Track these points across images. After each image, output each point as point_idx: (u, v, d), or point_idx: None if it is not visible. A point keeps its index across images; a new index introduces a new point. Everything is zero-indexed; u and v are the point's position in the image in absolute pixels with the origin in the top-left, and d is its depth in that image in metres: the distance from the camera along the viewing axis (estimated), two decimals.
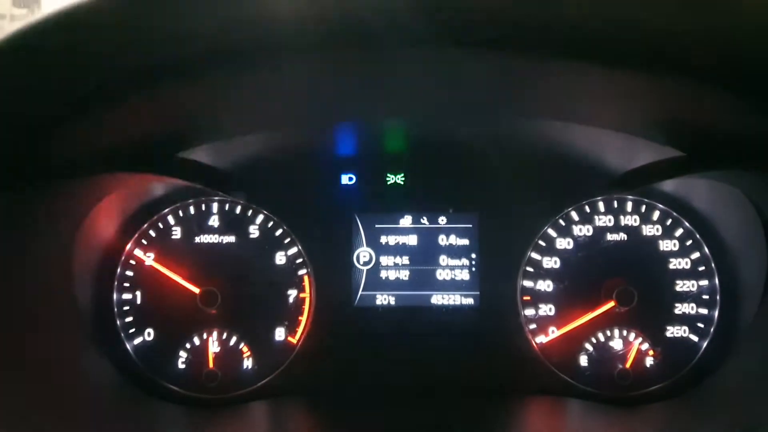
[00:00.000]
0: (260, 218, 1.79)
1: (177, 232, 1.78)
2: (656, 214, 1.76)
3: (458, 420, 1.53)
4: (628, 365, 1.71)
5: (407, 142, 1.79)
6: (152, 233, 1.77)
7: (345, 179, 1.81)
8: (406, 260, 1.80)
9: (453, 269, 1.79)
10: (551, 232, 1.78)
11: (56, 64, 0.86)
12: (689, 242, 1.75)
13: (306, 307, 1.77)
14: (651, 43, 0.87)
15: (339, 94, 1.27)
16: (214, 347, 1.74)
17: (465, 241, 1.79)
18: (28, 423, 1.18)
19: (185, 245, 1.77)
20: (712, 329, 1.72)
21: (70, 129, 1.00)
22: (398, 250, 1.80)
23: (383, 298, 1.79)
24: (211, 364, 1.73)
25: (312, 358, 1.75)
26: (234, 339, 1.75)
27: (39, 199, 1.26)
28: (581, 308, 1.73)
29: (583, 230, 1.78)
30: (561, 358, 1.75)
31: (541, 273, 1.77)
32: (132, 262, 1.76)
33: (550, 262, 1.77)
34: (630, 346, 1.73)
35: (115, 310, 1.75)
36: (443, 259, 1.80)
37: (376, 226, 1.80)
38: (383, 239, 1.80)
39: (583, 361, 1.74)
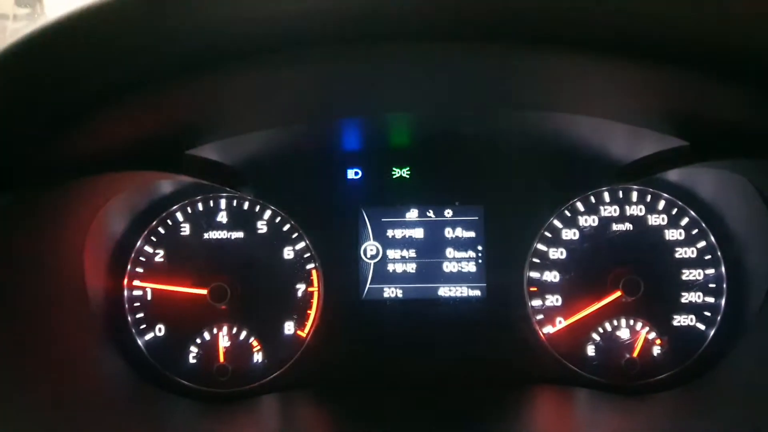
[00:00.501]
0: (268, 214, 1.81)
1: (186, 229, 1.80)
2: (661, 204, 1.77)
3: (466, 410, 1.54)
4: (635, 354, 1.72)
5: (412, 136, 1.80)
6: (161, 230, 1.79)
7: (351, 174, 1.82)
8: (412, 253, 1.81)
9: (459, 261, 1.80)
10: (557, 223, 1.78)
11: (69, 63, 0.87)
12: (695, 231, 1.75)
13: (314, 301, 1.79)
14: (653, 34, 0.87)
15: (342, 90, 1.28)
16: (224, 342, 1.76)
17: (471, 234, 1.80)
18: (42, 418, 1.20)
19: (194, 241, 1.79)
20: (718, 318, 1.73)
21: (81, 128, 1.01)
22: (405, 243, 1.81)
23: (391, 291, 1.80)
24: (221, 359, 1.75)
25: (321, 352, 1.77)
26: (244, 333, 1.77)
27: (49, 197, 1.28)
28: (588, 298, 1.74)
29: (589, 221, 1.78)
30: (568, 348, 1.76)
31: (547, 264, 1.78)
32: (142, 258, 1.78)
33: (557, 253, 1.78)
34: (637, 335, 1.74)
35: (126, 306, 1.77)
36: (450, 252, 1.81)
37: (383, 219, 1.81)
38: (390, 233, 1.81)
39: (591, 350, 1.75)
